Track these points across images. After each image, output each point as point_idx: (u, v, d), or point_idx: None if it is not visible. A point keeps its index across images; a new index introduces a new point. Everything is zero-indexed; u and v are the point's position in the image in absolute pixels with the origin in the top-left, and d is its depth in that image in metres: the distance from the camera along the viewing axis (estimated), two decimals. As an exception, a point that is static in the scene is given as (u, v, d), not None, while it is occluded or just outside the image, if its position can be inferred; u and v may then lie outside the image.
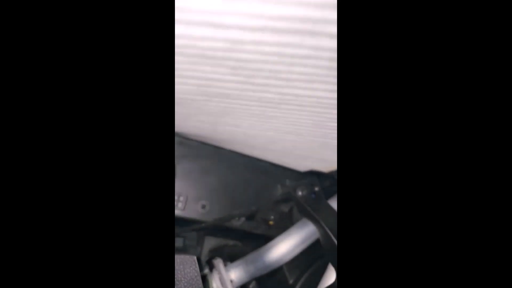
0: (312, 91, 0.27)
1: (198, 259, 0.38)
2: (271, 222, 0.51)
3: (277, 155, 0.51)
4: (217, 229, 0.51)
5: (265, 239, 0.49)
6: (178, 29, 0.20)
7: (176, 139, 0.49)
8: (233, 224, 0.50)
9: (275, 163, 0.54)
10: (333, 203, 0.50)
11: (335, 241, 0.41)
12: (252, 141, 0.44)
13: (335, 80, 0.25)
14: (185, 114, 0.36)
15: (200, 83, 0.27)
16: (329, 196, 0.52)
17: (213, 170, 0.50)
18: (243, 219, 0.50)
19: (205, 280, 0.45)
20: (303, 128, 0.36)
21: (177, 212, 0.47)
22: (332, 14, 0.18)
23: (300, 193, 0.49)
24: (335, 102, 0.29)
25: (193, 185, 0.48)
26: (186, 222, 0.48)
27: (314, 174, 0.53)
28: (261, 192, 0.52)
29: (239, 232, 0.51)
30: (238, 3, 0.18)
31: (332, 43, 0.20)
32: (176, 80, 0.27)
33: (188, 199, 0.48)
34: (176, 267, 0.36)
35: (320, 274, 0.46)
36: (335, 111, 0.31)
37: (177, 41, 0.21)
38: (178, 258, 0.37)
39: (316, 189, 0.49)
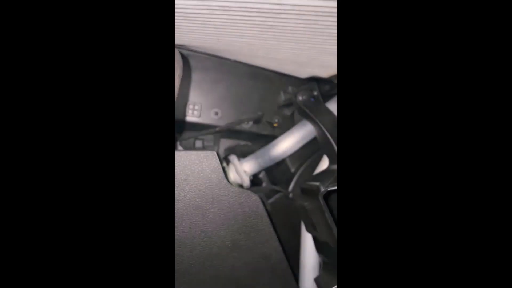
0: (309, 1, 0.29)
1: (217, 154, 0.47)
2: (275, 124, 0.59)
3: (279, 63, 0.54)
4: (230, 132, 0.59)
5: (270, 138, 0.58)
6: None
7: (184, 52, 0.52)
8: (243, 127, 0.58)
9: (278, 71, 0.57)
10: (331, 105, 0.56)
11: (330, 138, 0.48)
12: (255, 51, 0.47)
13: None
14: (191, 28, 0.38)
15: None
16: (327, 99, 0.58)
17: (222, 80, 0.55)
18: (251, 122, 0.58)
19: (224, 171, 0.56)
20: (301, 36, 0.38)
21: (194, 119, 0.54)
22: None
23: (300, 98, 0.55)
24: (332, 10, 0.31)
25: (205, 94, 0.54)
26: (203, 126, 0.56)
27: (313, 80, 0.57)
28: (265, 98, 0.58)
29: (249, 134, 0.59)
30: None
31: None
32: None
33: (202, 107, 0.54)
34: (201, 160, 0.46)
35: (316, 164, 0.56)
36: (332, 19, 0.33)
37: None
38: (202, 153, 0.46)
39: (315, 93, 0.54)
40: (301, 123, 0.55)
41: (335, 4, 0.30)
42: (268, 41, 0.42)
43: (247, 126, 0.58)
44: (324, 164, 0.54)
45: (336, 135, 0.48)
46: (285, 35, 0.39)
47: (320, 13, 0.32)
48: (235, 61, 0.55)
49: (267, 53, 0.48)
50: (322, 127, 0.48)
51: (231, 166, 0.56)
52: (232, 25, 0.37)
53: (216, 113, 0.56)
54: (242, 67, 0.55)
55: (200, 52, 0.52)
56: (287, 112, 0.60)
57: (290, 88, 0.58)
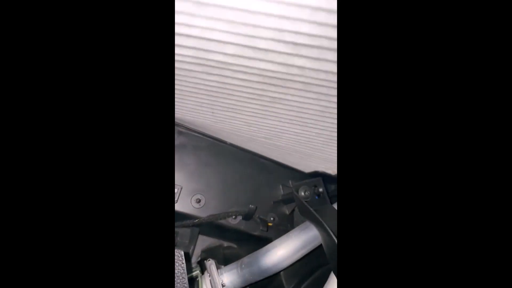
0: (321, 63, 0.24)
1: (186, 255, 0.35)
2: (270, 223, 0.48)
3: (280, 153, 0.48)
4: (212, 226, 0.47)
5: (262, 241, 0.46)
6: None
7: (176, 128, 0.46)
8: (230, 223, 0.46)
9: (278, 161, 0.51)
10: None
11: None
12: (255, 133, 0.42)
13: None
14: (183, 93, 0.33)
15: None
16: (334, 201, 0.48)
17: (212, 163, 0.47)
18: (240, 217, 0.47)
19: (194, 281, 0.42)
20: (308, 116, 0.33)
21: (170, 204, 0.44)
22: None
23: (302, 193, 0.46)
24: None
25: (189, 177, 0.46)
26: (178, 216, 0.45)
27: (318, 175, 0.50)
28: (261, 190, 0.49)
29: (235, 232, 0.48)
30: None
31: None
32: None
33: (182, 191, 0.45)
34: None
35: (321, 284, 0.42)
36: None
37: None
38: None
39: (320, 190, 0.46)
40: (303, 226, 0.45)
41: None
42: (268, 120, 0.37)
43: (234, 221, 0.47)
44: (331, 284, 0.40)
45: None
46: (288, 112, 0.34)
47: (331, 85, 0.27)
48: (231, 145, 0.49)
49: (268, 137, 0.42)
50: (331, 233, 0.37)
51: (206, 275, 0.42)
52: (228, 94, 0.32)
53: (198, 201, 0.45)
54: (238, 151, 0.49)
55: (194, 130, 0.47)
56: (286, 209, 0.50)
57: (290, 182, 0.50)
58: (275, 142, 0.43)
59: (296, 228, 0.45)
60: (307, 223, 0.44)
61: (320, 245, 0.42)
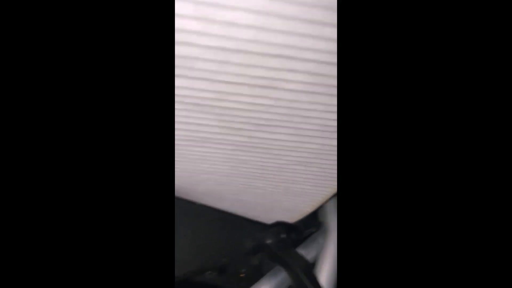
0: (275, 135, 0.35)
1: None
2: (242, 275, 0.51)
3: (246, 208, 0.55)
4: (188, 284, 0.49)
5: (237, 294, 0.49)
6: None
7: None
8: (205, 278, 0.49)
9: (244, 216, 0.57)
10: (301, 252, 0.53)
11: (308, 284, 0.43)
12: (224, 191, 0.49)
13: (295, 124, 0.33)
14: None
15: (183, 127, 0.33)
16: (297, 246, 0.55)
17: (185, 224, 0.52)
18: (214, 273, 0.50)
19: None
20: (269, 172, 0.42)
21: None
22: (284, 74, 0.27)
23: (269, 241, 0.52)
24: (297, 144, 0.37)
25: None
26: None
27: (280, 225, 0.57)
28: (231, 245, 0.54)
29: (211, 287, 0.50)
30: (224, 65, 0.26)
31: (290, 95, 0.29)
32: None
33: (160, 252, 0.47)
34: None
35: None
36: (296, 154, 0.39)
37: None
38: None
39: (283, 236, 0.53)
40: (272, 272, 0.50)
41: (297, 139, 0.36)
42: (237, 178, 0.45)
43: (210, 276, 0.49)
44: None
45: (314, 281, 0.43)
46: (253, 171, 0.43)
47: (285, 148, 0.37)
48: (201, 205, 0.54)
49: (235, 194, 0.50)
50: (299, 271, 0.44)
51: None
52: (207, 160, 0.40)
53: (175, 260, 0.48)
54: (209, 211, 0.54)
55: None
56: (255, 260, 0.55)
57: (257, 234, 0.56)
58: (242, 198, 0.51)
59: (266, 275, 0.49)
60: (276, 268, 0.50)
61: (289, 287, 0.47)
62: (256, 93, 0.29)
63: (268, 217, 0.58)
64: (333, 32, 0.23)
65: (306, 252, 0.55)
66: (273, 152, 0.38)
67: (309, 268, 0.45)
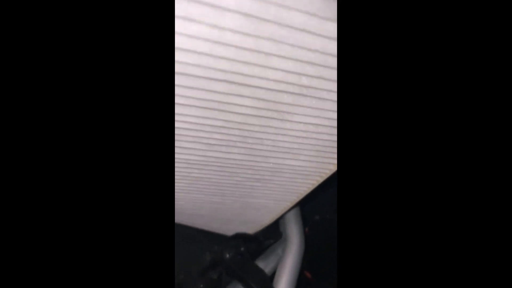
0: (230, 154, 0.34)
1: None
2: (199, 291, 0.50)
3: (204, 220, 0.54)
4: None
5: (193, 311, 0.47)
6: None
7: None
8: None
9: (202, 228, 0.56)
10: (260, 264, 0.53)
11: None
12: (181, 206, 0.47)
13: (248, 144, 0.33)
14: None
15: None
16: (255, 257, 0.55)
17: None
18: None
19: None
20: (225, 188, 0.42)
21: None
22: (239, 99, 0.27)
23: (227, 255, 0.51)
24: (250, 164, 0.36)
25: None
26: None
27: (239, 237, 0.57)
28: (189, 260, 0.52)
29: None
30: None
31: (240, 118, 0.28)
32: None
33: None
34: None
35: None
36: (252, 171, 0.38)
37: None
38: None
39: (242, 249, 0.52)
40: (230, 287, 0.49)
41: (252, 158, 0.35)
42: (193, 194, 0.44)
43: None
44: None
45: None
46: (209, 187, 0.42)
47: (241, 166, 0.37)
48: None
49: (193, 209, 0.48)
50: (254, 286, 0.44)
51: None
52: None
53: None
54: (165, 225, 0.52)
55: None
56: (213, 275, 0.54)
57: (215, 247, 0.55)
58: (199, 212, 0.49)
59: (224, 290, 0.49)
60: (233, 284, 0.49)
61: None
62: (204, 115, 0.28)
63: (228, 229, 0.57)
64: (279, 61, 0.22)
65: (265, 263, 0.55)
66: (228, 170, 0.37)
67: (266, 283, 0.45)
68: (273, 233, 0.59)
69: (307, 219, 0.64)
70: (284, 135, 0.31)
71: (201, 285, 0.51)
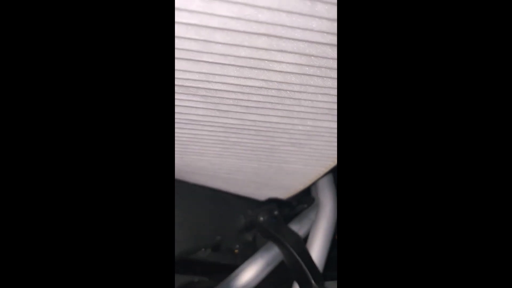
0: (266, 117, 0.34)
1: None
2: (236, 251, 0.53)
3: (239, 186, 0.55)
4: (184, 263, 0.50)
5: (232, 269, 0.50)
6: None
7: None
8: (199, 256, 0.50)
9: (237, 193, 0.58)
10: (293, 228, 0.54)
11: (299, 259, 0.44)
12: (216, 170, 0.48)
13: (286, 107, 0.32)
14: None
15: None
16: (289, 222, 0.56)
17: (177, 204, 0.52)
18: (209, 250, 0.51)
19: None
20: (261, 152, 0.42)
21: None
22: (273, 55, 0.25)
23: (261, 218, 0.53)
24: (287, 126, 0.36)
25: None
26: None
27: (273, 201, 0.58)
28: (225, 222, 0.55)
29: (206, 265, 0.51)
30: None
31: (280, 77, 0.27)
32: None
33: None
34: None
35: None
36: (287, 135, 0.38)
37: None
38: None
39: (275, 213, 0.54)
40: (264, 248, 0.51)
41: (289, 121, 0.35)
42: (229, 159, 0.44)
43: (204, 254, 0.51)
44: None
45: (305, 256, 0.44)
46: (245, 152, 0.42)
47: (278, 130, 0.36)
48: (194, 184, 0.54)
49: (228, 173, 0.50)
50: (290, 247, 0.45)
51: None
52: (197, 142, 0.39)
53: (170, 239, 0.49)
54: (201, 190, 0.54)
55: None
56: (248, 237, 0.56)
57: (249, 211, 0.57)
58: (235, 176, 0.51)
59: (260, 250, 0.51)
60: (269, 244, 0.51)
61: (282, 262, 0.49)
62: (244, 75, 0.27)
63: (261, 194, 0.58)
64: (326, 10, 0.21)
65: (298, 227, 0.56)
66: (264, 134, 0.37)
67: (300, 244, 0.46)
68: (305, 199, 0.59)
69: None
70: (324, 94, 0.30)
71: (237, 246, 0.54)
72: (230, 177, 0.51)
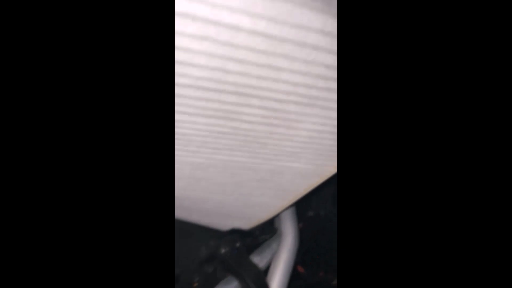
0: (233, 157, 0.35)
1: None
2: (195, 284, 0.51)
3: (201, 216, 0.55)
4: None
5: (189, 303, 0.49)
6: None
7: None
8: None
9: (199, 223, 0.57)
10: (255, 258, 0.55)
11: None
12: (180, 203, 0.48)
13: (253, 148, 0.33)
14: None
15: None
16: (251, 252, 0.57)
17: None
18: (167, 284, 0.49)
19: None
20: (228, 187, 0.42)
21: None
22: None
23: (223, 250, 0.52)
24: (252, 166, 0.37)
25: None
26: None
27: (235, 232, 0.58)
28: (185, 254, 0.53)
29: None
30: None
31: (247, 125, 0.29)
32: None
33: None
34: None
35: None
36: (253, 173, 0.39)
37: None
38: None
39: (238, 244, 0.54)
40: (224, 281, 0.51)
41: (254, 160, 0.36)
42: (194, 192, 0.44)
43: None
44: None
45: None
46: (211, 186, 0.42)
47: (244, 168, 0.38)
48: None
49: (192, 204, 0.49)
50: (249, 281, 0.45)
51: None
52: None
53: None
54: (163, 219, 0.53)
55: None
56: (209, 268, 0.55)
57: (211, 242, 0.56)
58: (198, 207, 0.50)
59: (219, 284, 0.50)
60: (228, 278, 0.51)
61: (242, 295, 0.49)
62: (212, 123, 0.28)
63: (224, 225, 0.58)
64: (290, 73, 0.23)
65: (260, 258, 0.57)
66: (230, 171, 0.38)
67: (261, 278, 0.46)
68: (268, 229, 0.61)
69: (301, 215, 0.66)
70: (288, 140, 0.32)
71: (197, 278, 0.52)
72: (194, 208, 0.51)
